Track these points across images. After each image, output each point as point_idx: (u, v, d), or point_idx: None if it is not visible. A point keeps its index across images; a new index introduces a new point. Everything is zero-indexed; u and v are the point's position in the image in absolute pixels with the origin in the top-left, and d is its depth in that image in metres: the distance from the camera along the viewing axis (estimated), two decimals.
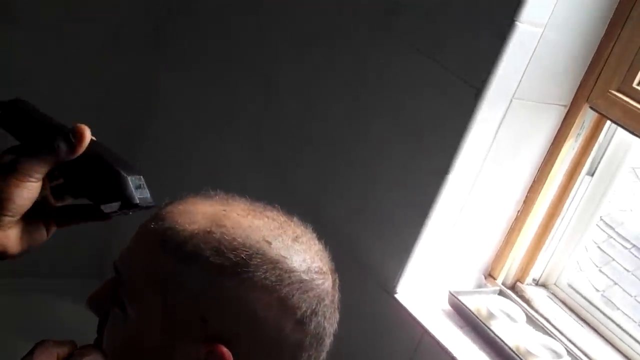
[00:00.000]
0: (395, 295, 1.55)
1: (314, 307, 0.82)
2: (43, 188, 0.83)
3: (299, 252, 0.83)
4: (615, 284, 2.01)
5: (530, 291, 1.66)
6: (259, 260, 0.79)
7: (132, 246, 0.85)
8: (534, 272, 1.68)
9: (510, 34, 1.36)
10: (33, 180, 0.80)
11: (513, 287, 1.68)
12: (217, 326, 0.80)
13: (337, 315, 0.88)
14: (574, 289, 1.67)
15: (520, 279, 1.68)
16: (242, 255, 0.79)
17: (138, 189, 0.83)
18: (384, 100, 1.60)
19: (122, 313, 0.83)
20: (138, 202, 0.83)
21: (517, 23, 1.35)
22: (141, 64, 2.32)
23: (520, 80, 1.42)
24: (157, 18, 2.28)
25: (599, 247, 2.00)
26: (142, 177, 0.85)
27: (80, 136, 0.81)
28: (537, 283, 1.70)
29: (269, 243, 0.81)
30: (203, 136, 2.17)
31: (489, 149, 1.48)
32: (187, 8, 2.23)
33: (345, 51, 1.70)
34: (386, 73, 1.60)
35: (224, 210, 0.84)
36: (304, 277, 0.82)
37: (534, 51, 1.40)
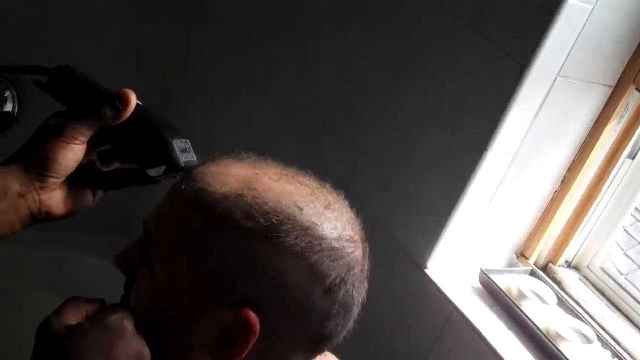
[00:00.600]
0: (426, 270, 1.54)
1: (343, 275, 0.81)
2: (89, 153, 0.85)
3: (330, 220, 0.82)
4: None
5: (563, 273, 1.64)
6: (290, 226, 0.78)
7: (163, 206, 0.85)
8: (567, 254, 1.66)
9: (559, 9, 1.32)
10: (78, 142, 0.82)
11: (545, 268, 1.66)
12: (245, 290, 0.79)
13: (366, 285, 0.87)
14: (606, 273, 1.65)
15: (552, 260, 1.66)
16: (273, 220, 0.78)
17: (184, 153, 0.84)
18: (424, 72, 1.58)
19: (150, 273, 0.83)
20: (184, 165, 0.84)
21: None
22: (174, 26, 2.31)
23: (567, 58, 1.39)
24: None
25: (625, 231, 1.98)
26: (188, 140, 0.85)
27: (125, 101, 0.83)
28: (569, 265, 1.67)
29: (301, 209, 0.80)
30: (236, 99, 2.16)
31: (530, 127, 1.45)
32: None
33: (387, 20, 1.67)
34: (428, 44, 1.57)
35: (256, 174, 0.83)
36: (335, 245, 0.81)
37: (582, 29, 1.36)
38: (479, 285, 1.57)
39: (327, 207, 0.83)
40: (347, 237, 0.83)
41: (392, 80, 1.65)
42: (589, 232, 1.64)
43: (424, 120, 1.57)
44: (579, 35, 1.37)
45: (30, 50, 2.00)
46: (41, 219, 0.85)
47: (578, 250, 1.66)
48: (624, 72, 1.47)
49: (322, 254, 0.80)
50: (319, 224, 0.80)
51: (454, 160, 1.50)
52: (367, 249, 0.87)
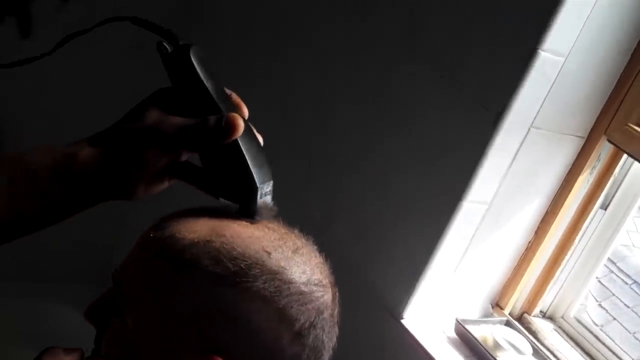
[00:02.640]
0: (402, 321, 1.53)
1: (312, 319, 0.80)
2: None
3: (298, 264, 0.81)
4: (614, 319, 1.99)
5: (538, 323, 1.64)
6: (258, 270, 0.78)
7: (131, 255, 0.84)
8: (542, 304, 1.66)
9: (532, 61, 1.35)
10: (165, 181, 0.82)
11: (520, 318, 1.66)
12: (214, 337, 0.78)
13: (337, 330, 0.86)
14: (581, 324, 1.65)
15: (527, 310, 1.66)
16: (241, 265, 0.77)
17: (263, 197, 0.82)
18: (401, 121, 1.59)
19: (120, 323, 0.81)
20: (256, 217, 0.82)
21: (540, 51, 1.34)
22: None
23: (540, 109, 1.41)
24: None
25: (599, 282, 1.99)
26: (271, 182, 0.83)
27: (232, 129, 0.77)
28: (544, 315, 1.68)
29: (269, 253, 0.79)
30: None
31: (504, 177, 1.46)
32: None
33: (366, 68, 1.69)
34: (405, 93, 1.59)
35: (225, 220, 0.82)
36: (303, 288, 0.80)
37: (554, 80, 1.39)
38: (454, 335, 1.57)
39: (295, 251, 0.82)
40: (316, 281, 0.82)
41: (369, 128, 1.66)
42: (562, 282, 1.65)
43: (400, 169, 1.58)
44: (552, 87, 1.39)
45: None
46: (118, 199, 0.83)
47: (552, 301, 1.67)
48: (595, 123, 1.49)
49: (290, 297, 0.79)
50: (287, 267, 0.80)
51: (430, 209, 1.51)
52: (337, 294, 0.86)
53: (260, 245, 0.80)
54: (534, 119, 1.42)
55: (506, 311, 1.63)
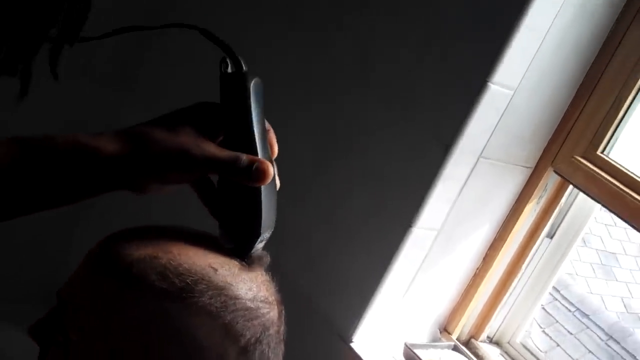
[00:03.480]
0: (351, 344, 1.55)
1: (258, 335, 0.81)
2: None
3: (245, 281, 0.82)
4: (558, 345, 2.02)
5: (484, 348, 1.67)
6: (204, 286, 0.78)
7: (77, 272, 0.84)
8: (489, 330, 1.69)
9: (482, 94, 1.38)
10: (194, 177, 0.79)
11: (467, 343, 1.69)
12: (159, 353, 0.78)
13: (282, 347, 0.87)
14: (527, 349, 1.69)
15: (474, 335, 1.69)
16: (187, 281, 0.78)
17: (258, 244, 0.81)
18: (351, 149, 1.62)
19: (64, 341, 0.81)
20: (245, 261, 0.81)
21: (490, 84, 1.38)
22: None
23: (489, 140, 1.45)
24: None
25: (544, 309, 2.03)
26: (272, 230, 0.82)
27: (261, 178, 0.76)
28: (491, 340, 1.71)
29: (215, 270, 0.80)
30: None
31: (454, 205, 1.49)
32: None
33: (318, 98, 1.71)
34: (356, 121, 1.61)
35: (171, 237, 0.83)
36: (250, 304, 0.81)
37: (503, 112, 1.43)
38: (403, 359, 1.59)
39: (242, 268, 0.84)
40: (262, 298, 0.83)
41: (319, 154, 1.68)
42: (509, 308, 1.68)
43: (350, 195, 1.60)
44: (501, 118, 1.43)
45: None
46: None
47: (499, 326, 1.70)
48: (542, 154, 1.54)
49: (236, 313, 0.79)
50: (234, 284, 0.80)
51: (380, 235, 1.53)
52: (283, 311, 0.87)
53: (207, 262, 0.81)
54: (483, 149, 1.45)
55: (454, 336, 1.66)
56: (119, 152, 0.75)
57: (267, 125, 0.81)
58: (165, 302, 0.78)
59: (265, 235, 0.81)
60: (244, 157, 0.75)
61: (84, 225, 2.38)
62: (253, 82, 0.77)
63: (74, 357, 0.81)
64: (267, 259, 0.84)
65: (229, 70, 0.77)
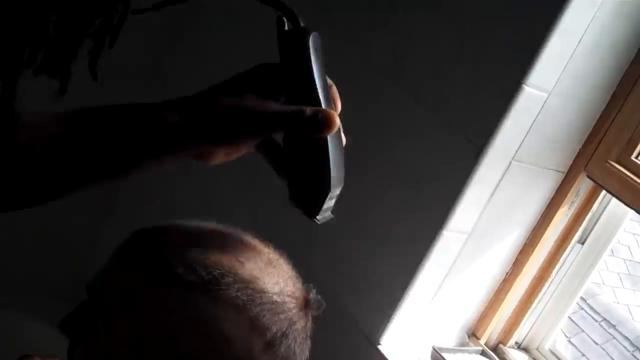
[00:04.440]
0: (379, 347, 1.54)
1: (284, 329, 0.82)
2: None
3: (271, 275, 0.83)
4: (583, 355, 1.99)
5: (513, 354, 1.65)
6: (231, 278, 0.79)
7: (106, 266, 0.85)
8: (517, 336, 1.67)
9: (516, 96, 1.37)
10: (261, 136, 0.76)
11: (495, 349, 1.67)
12: (185, 345, 0.79)
13: (309, 343, 0.87)
14: (555, 356, 1.67)
15: (503, 341, 1.67)
16: (215, 274, 0.79)
17: (329, 200, 0.78)
18: (383, 149, 1.61)
19: (93, 334, 0.82)
20: (317, 220, 0.78)
21: (524, 86, 1.36)
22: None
23: (522, 143, 1.43)
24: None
25: (569, 318, 2.00)
26: (342, 187, 0.79)
27: (327, 126, 0.73)
28: (519, 347, 1.69)
29: (242, 263, 0.81)
30: (194, 166, 2.16)
31: (485, 208, 1.48)
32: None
33: (349, 97, 1.70)
34: (389, 122, 1.61)
35: (199, 231, 0.84)
36: (276, 298, 0.81)
37: (537, 115, 1.42)
38: None
39: (269, 262, 0.84)
40: (289, 292, 0.83)
41: (350, 155, 1.67)
42: (538, 314, 1.66)
43: (380, 196, 1.59)
44: (534, 121, 1.42)
45: None
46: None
47: (528, 332, 1.68)
48: (575, 159, 1.52)
49: (263, 306, 0.80)
50: (260, 277, 0.81)
51: (410, 238, 1.52)
52: (309, 307, 0.87)
53: (234, 255, 0.81)
54: (516, 152, 1.44)
55: (482, 341, 1.65)
56: (185, 120, 0.72)
57: (329, 80, 0.79)
58: (192, 294, 0.79)
59: (335, 192, 0.77)
60: (308, 109, 0.72)
61: (111, 219, 2.39)
62: (312, 36, 0.75)
63: (102, 350, 0.82)
64: (329, 217, 0.80)
65: (286, 28, 0.75)
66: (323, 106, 0.74)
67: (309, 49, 0.75)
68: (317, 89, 0.75)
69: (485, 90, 1.43)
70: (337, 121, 0.73)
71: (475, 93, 1.45)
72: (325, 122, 0.72)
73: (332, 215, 0.80)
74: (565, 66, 1.39)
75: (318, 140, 0.74)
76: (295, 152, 0.76)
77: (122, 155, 0.73)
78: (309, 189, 0.76)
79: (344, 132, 0.78)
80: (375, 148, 1.62)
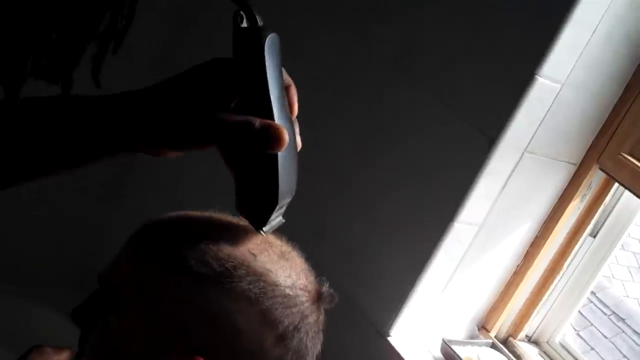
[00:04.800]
0: (389, 338, 1.53)
1: (296, 323, 0.81)
2: None
3: (284, 268, 0.82)
4: (592, 349, 1.98)
5: (523, 347, 1.65)
6: (243, 271, 0.78)
7: (118, 256, 0.85)
8: (528, 329, 1.67)
9: (529, 87, 1.36)
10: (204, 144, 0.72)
11: (505, 342, 1.66)
12: (197, 337, 0.78)
13: (321, 337, 0.86)
14: (565, 349, 1.66)
15: (513, 334, 1.67)
16: (227, 266, 0.78)
17: (276, 212, 0.74)
18: (393, 141, 1.60)
19: (104, 324, 0.82)
20: (263, 232, 0.76)
21: (537, 77, 1.35)
22: None
23: (534, 135, 1.42)
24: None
25: (579, 311, 2.00)
26: (292, 195, 0.75)
27: (275, 144, 0.68)
28: (529, 340, 1.68)
29: (255, 255, 0.80)
30: (205, 157, 2.16)
31: (496, 200, 1.47)
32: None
33: (358, 87, 1.70)
34: (399, 114, 1.60)
35: (211, 223, 0.83)
36: (288, 292, 0.80)
37: (550, 107, 1.40)
38: (440, 355, 1.57)
39: (281, 255, 0.83)
40: (301, 286, 0.82)
41: (361, 148, 1.67)
42: (549, 307, 1.66)
43: (391, 188, 1.59)
44: (547, 113, 1.41)
45: None
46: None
47: (538, 325, 1.67)
48: (588, 151, 1.51)
49: (275, 299, 0.79)
50: (273, 270, 0.80)
51: (420, 229, 1.51)
52: (322, 301, 0.87)
53: (246, 247, 0.80)
54: (528, 143, 1.43)
55: (492, 334, 1.64)
56: (130, 121, 0.70)
57: (288, 79, 0.74)
58: (204, 286, 0.78)
59: (284, 202, 0.74)
60: (257, 123, 0.67)
61: (122, 210, 2.39)
62: (268, 37, 0.70)
63: (113, 340, 0.82)
64: (278, 225, 0.77)
65: (243, 25, 0.70)
66: (275, 115, 0.70)
67: (263, 50, 0.69)
68: (269, 96, 0.70)
69: (498, 82, 1.42)
70: (286, 137, 0.68)
71: (487, 84, 1.44)
72: (274, 139, 0.68)
73: (283, 220, 0.77)
74: (579, 57, 1.38)
75: (266, 154, 0.70)
76: (242, 159, 0.73)
77: (71, 147, 0.73)
78: (256, 201, 0.74)
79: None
80: (386, 140, 1.62)
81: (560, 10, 1.33)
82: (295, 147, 0.74)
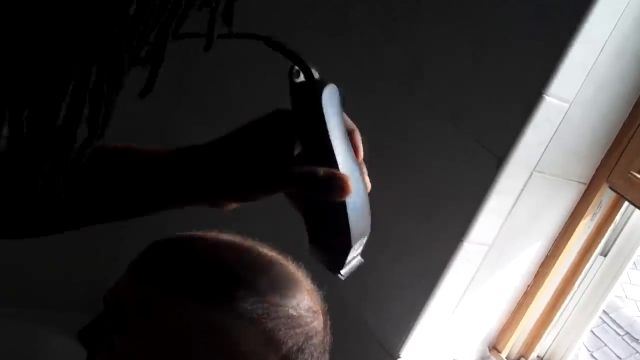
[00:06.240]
0: None
1: (300, 344, 0.81)
2: None
3: (288, 288, 0.82)
4: None
5: None
6: (246, 292, 0.78)
7: (122, 278, 0.85)
8: (539, 349, 1.65)
9: (537, 106, 1.36)
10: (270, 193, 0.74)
11: None
12: (200, 358, 0.78)
13: (327, 358, 0.86)
14: None
15: (524, 354, 1.65)
16: (230, 287, 0.78)
17: (352, 253, 0.74)
18: (401, 162, 1.60)
19: (109, 346, 0.82)
20: (341, 275, 0.75)
21: (545, 96, 1.35)
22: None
23: (543, 154, 1.42)
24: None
25: (592, 332, 1.98)
26: (367, 236, 0.76)
27: (340, 193, 0.69)
28: None
29: (258, 276, 0.81)
30: None
31: (506, 220, 1.46)
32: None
33: (367, 108, 1.70)
34: (408, 133, 1.60)
35: (215, 244, 0.84)
36: (292, 312, 0.80)
37: (558, 126, 1.40)
38: None
39: (286, 275, 0.83)
40: (305, 306, 0.82)
41: (369, 167, 1.66)
42: (561, 327, 1.64)
43: (400, 208, 1.58)
44: (555, 132, 1.40)
45: None
46: None
47: (550, 346, 1.66)
48: (597, 169, 1.50)
49: (278, 320, 0.79)
50: (277, 290, 0.80)
51: (429, 250, 1.51)
52: (328, 321, 0.86)
53: (250, 267, 0.81)
54: (537, 162, 1.42)
55: (503, 355, 1.63)
56: (198, 175, 0.73)
57: (351, 125, 0.76)
58: (208, 308, 0.78)
59: (358, 243, 0.74)
60: (321, 172, 0.69)
61: (130, 232, 2.39)
62: (326, 89, 0.71)
63: None
64: (356, 268, 0.78)
65: (299, 79, 0.71)
66: (339, 162, 0.71)
67: (321, 104, 0.70)
68: (332, 145, 0.70)
69: (506, 100, 1.41)
70: (350, 185, 0.69)
71: (495, 103, 1.43)
72: (339, 187, 0.69)
73: (362, 260, 0.77)
74: (587, 76, 1.37)
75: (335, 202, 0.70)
76: (313, 207, 0.73)
77: (134, 201, 0.75)
78: (330, 246, 0.73)
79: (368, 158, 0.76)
80: (395, 159, 1.61)
81: (569, 28, 1.33)
82: (365, 189, 0.75)
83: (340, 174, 0.69)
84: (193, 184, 0.73)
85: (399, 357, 1.53)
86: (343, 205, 0.71)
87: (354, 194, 0.71)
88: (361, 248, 0.76)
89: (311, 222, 0.74)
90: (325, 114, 0.70)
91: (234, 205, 0.76)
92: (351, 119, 0.77)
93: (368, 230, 0.76)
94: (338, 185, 0.69)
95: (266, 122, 0.74)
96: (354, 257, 0.75)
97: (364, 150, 0.78)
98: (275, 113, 0.75)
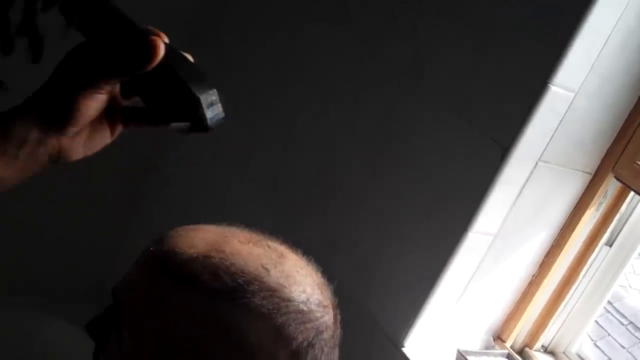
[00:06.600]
0: (403, 349, 1.53)
1: (310, 339, 0.80)
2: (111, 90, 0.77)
3: (298, 283, 0.81)
4: (610, 359, 1.97)
5: (539, 358, 1.63)
6: (256, 287, 0.78)
7: (132, 270, 0.85)
8: (544, 339, 1.66)
9: (542, 96, 1.35)
10: (102, 92, 0.74)
11: (521, 352, 1.65)
12: (209, 352, 0.78)
13: (337, 352, 0.86)
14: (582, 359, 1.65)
15: (529, 344, 1.65)
16: (240, 281, 0.78)
17: (211, 107, 0.76)
18: (406, 154, 1.60)
19: (118, 338, 0.82)
20: (209, 124, 0.76)
21: (550, 86, 1.35)
22: None
23: (548, 144, 1.42)
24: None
25: (595, 321, 1.98)
26: (215, 90, 0.76)
27: (154, 51, 0.71)
28: (545, 350, 1.67)
29: (268, 270, 0.80)
30: (218, 170, 2.16)
31: (511, 210, 1.46)
32: (213, 40, 2.24)
33: (371, 101, 1.70)
34: (413, 125, 1.59)
35: (225, 237, 0.83)
36: (302, 307, 0.80)
37: (564, 116, 1.40)
38: None
39: (296, 270, 0.83)
40: (316, 301, 0.82)
41: (374, 158, 1.67)
42: (565, 317, 1.64)
43: (405, 199, 1.58)
44: (561, 122, 1.40)
45: None
46: (59, 161, 0.77)
47: (554, 335, 1.66)
48: (603, 159, 1.50)
49: (288, 315, 0.79)
50: (287, 285, 0.80)
51: (434, 240, 1.51)
52: (338, 315, 0.86)
53: (260, 262, 0.81)
54: (542, 153, 1.42)
55: (508, 344, 1.63)
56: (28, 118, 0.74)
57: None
58: (217, 301, 0.78)
59: (208, 97, 0.75)
60: (131, 48, 0.71)
61: (137, 224, 2.40)
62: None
63: (127, 353, 0.82)
64: (221, 118, 0.77)
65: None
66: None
67: (95, 9, 0.75)
68: (128, 29, 0.74)
69: (511, 91, 1.41)
70: (161, 43, 0.71)
71: (500, 93, 1.43)
72: (150, 46, 0.71)
73: (223, 114, 0.77)
74: (592, 66, 1.37)
75: (161, 69, 0.73)
76: (154, 95, 0.76)
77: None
78: (184, 112, 0.75)
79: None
80: (400, 151, 1.61)
81: (574, 18, 1.33)
82: (188, 58, 0.77)
83: (148, 37, 0.71)
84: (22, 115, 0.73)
85: (403, 346, 1.53)
86: (169, 68, 0.73)
87: (176, 61, 0.74)
88: (219, 105, 0.76)
89: (159, 108, 0.76)
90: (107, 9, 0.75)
91: (79, 151, 0.77)
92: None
93: (210, 85, 0.76)
94: (148, 43, 0.70)
95: (71, 55, 0.75)
96: (216, 114, 0.76)
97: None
98: (74, 48, 0.75)
